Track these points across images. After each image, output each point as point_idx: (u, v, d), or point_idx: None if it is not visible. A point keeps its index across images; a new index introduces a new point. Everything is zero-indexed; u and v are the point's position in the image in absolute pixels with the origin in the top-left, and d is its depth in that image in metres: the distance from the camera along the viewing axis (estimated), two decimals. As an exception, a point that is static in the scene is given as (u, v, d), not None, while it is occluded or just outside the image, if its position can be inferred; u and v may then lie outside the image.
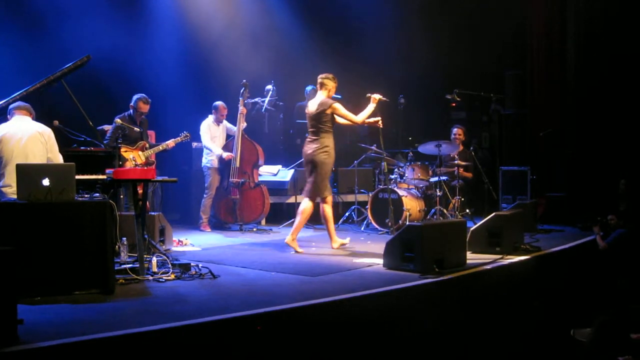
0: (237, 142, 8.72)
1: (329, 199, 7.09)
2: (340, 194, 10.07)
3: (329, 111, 6.93)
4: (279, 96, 10.50)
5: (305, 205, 7.00)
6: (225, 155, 8.67)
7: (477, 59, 10.94)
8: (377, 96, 7.01)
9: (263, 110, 10.40)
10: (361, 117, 6.98)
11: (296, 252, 6.82)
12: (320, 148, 6.94)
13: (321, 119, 6.95)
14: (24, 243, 4.45)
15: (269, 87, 10.28)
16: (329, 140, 6.97)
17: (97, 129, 6.96)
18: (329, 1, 11.27)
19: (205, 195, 8.73)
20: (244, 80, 8.85)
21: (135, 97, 7.74)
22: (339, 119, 7.04)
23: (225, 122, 8.94)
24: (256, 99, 9.98)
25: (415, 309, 5.12)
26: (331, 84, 7.05)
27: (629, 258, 6.81)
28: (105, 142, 6.91)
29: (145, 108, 7.74)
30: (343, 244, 7.12)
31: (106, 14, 9.22)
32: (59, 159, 5.80)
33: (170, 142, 7.83)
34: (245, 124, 8.83)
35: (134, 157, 7.43)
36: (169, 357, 3.79)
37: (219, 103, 8.87)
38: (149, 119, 8.04)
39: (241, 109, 8.75)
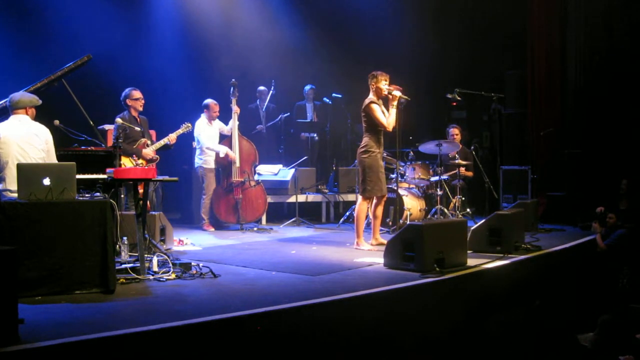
0: (235, 141, 8.72)
1: (379, 199, 7.10)
2: (340, 194, 10.09)
3: (366, 110, 6.96)
4: (278, 95, 10.55)
5: (361, 206, 7.05)
6: (232, 154, 8.65)
7: (477, 58, 10.95)
8: (397, 93, 6.97)
9: (263, 109, 10.45)
10: (390, 123, 6.95)
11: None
12: (362, 147, 7.04)
13: (363, 118, 7.04)
14: (25, 242, 4.46)
15: (262, 88, 10.36)
16: (370, 140, 6.99)
17: (98, 129, 6.96)
18: (329, 1, 11.29)
19: (203, 196, 8.73)
20: (233, 80, 8.82)
21: (123, 93, 7.49)
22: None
23: (218, 120, 8.89)
24: (254, 104, 10.12)
25: (415, 308, 5.12)
26: (371, 82, 7.03)
27: (629, 258, 6.82)
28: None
29: (139, 94, 7.49)
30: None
31: (107, 14, 9.24)
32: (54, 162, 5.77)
33: (172, 136, 7.65)
34: (237, 123, 8.81)
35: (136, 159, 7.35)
36: (169, 357, 3.79)
37: (209, 101, 8.81)
38: (150, 117, 8.02)
39: (235, 108, 8.75)
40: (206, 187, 8.73)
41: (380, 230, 8.43)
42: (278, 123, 10.43)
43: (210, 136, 8.75)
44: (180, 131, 7.78)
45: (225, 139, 8.88)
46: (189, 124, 7.92)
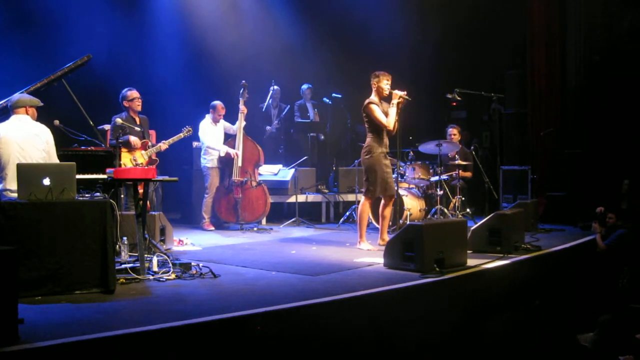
0: (239, 141, 8.73)
1: (387, 199, 7.09)
2: (340, 194, 10.09)
3: (366, 111, 6.96)
4: (279, 95, 10.56)
5: (364, 206, 7.04)
6: (233, 152, 8.67)
7: (477, 58, 10.94)
8: (398, 92, 6.97)
9: (264, 109, 10.46)
10: (390, 122, 6.92)
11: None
12: (364, 148, 7.04)
13: (364, 119, 7.04)
14: (25, 242, 4.46)
15: (275, 87, 10.36)
16: (372, 140, 6.99)
17: (98, 129, 6.96)
18: (329, 1, 11.28)
19: (206, 195, 8.74)
20: (243, 81, 8.85)
21: (120, 95, 7.51)
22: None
23: (222, 121, 8.91)
24: (266, 104, 10.13)
25: (415, 308, 5.12)
26: (374, 81, 7.01)
27: (629, 258, 6.82)
28: (111, 143, 6.85)
29: (135, 94, 7.49)
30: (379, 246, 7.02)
31: (107, 13, 9.23)
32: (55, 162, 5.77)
33: (164, 146, 7.60)
34: (244, 123, 8.84)
35: (134, 158, 7.38)
36: (169, 357, 3.79)
37: (216, 102, 8.84)
38: (152, 118, 8.01)
39: (242, 108, 8.77)
40: (209, 186, 8.74)
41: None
42: (286, 115, 10.51)
43: (214, 136, 8.77)
44: (181, 135, 7.79)
45: (230, 139, 8.90)
46: (190, 128, 7.92)
